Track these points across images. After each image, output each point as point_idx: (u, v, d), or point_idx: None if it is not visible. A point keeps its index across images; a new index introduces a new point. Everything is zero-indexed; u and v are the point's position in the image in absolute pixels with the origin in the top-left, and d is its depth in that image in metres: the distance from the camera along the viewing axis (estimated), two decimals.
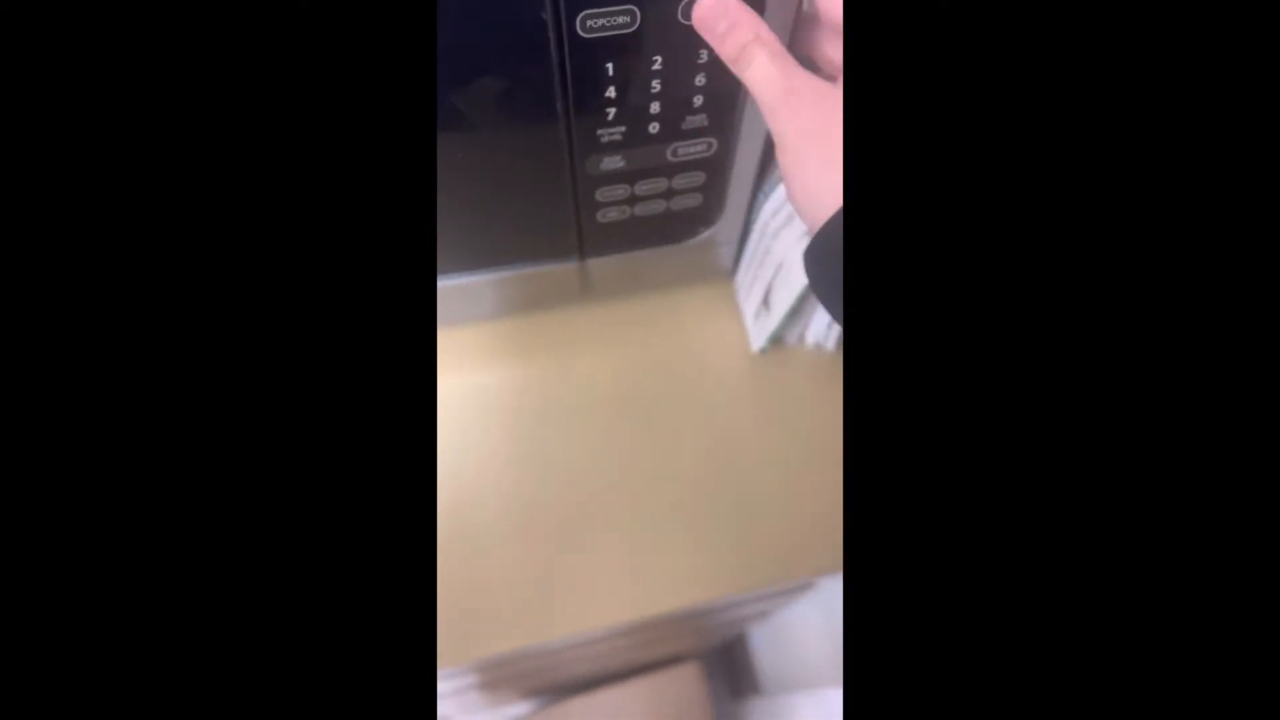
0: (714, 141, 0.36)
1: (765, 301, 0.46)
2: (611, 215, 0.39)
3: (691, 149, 0.36)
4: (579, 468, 0.47)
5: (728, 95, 0.33)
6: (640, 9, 0.28)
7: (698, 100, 0.33)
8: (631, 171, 0.36)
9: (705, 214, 0.42)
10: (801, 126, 0.25)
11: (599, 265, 0.45)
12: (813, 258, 0.25)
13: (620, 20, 0.28)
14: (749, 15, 0.26)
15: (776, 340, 0.49)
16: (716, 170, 0.38)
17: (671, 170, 0.37)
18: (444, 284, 0.44)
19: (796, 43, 0.30)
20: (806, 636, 0.81)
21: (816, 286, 0.26)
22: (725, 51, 0.26)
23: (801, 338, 0.50)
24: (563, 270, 0.45)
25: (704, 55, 0.31)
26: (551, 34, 0.28)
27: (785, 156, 0.26)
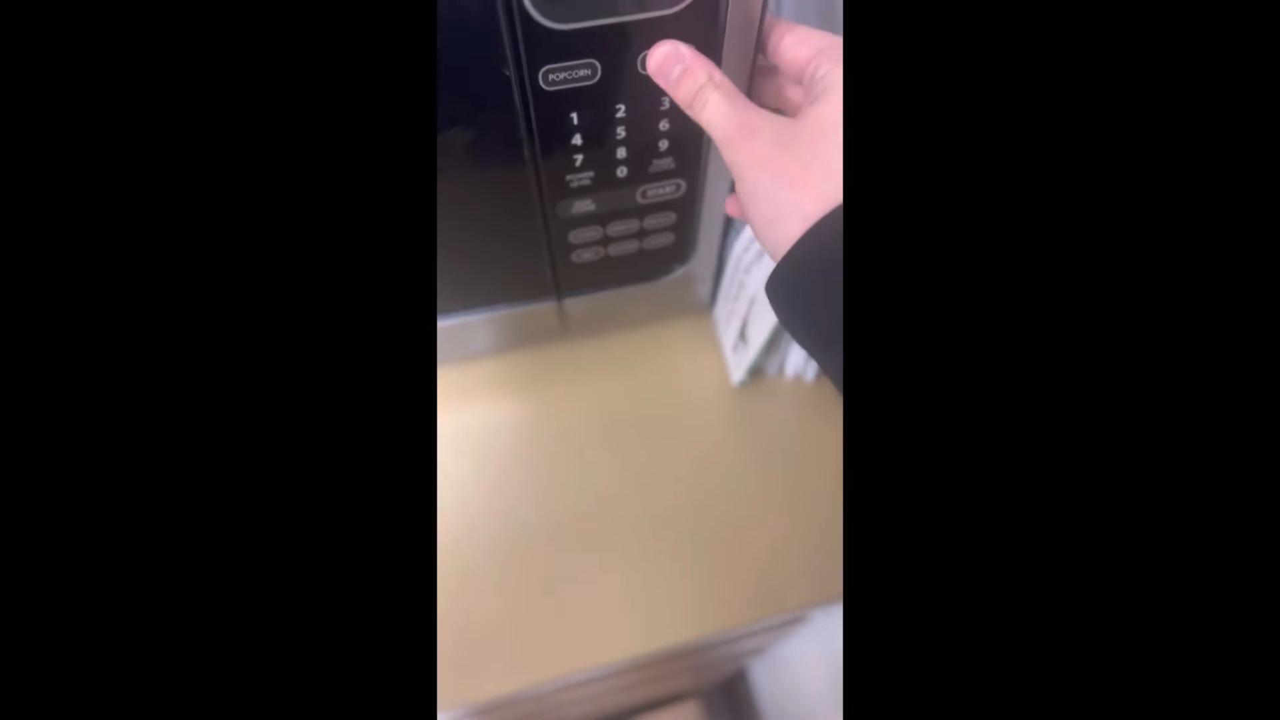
0: (682, 183, 0.37)
1: (742, 335, 0.47)
2: (586, 256, 0.40)
3: (660, 190, 0.37)
4: (566, 506, 0.47)
5: (692, 138, 0.35)
6: (600, 62, 0.29)
7: (663, 144, 0.34)
8: (602, 214, 0.37)
9: (679, 252, 0.43)
10: (756, 156, 0.25)
11: (577, 304, 0.46)
12: (776, 287, 0.25)
13: (581, 73, 0.29)
14: (701, 60, 0.27)
15: (756, 372, 0.50)
16: (687, 210, 0.39)
17: (642, 211, 0.38)
18: None
19: (756, 92, 0.31)
20: (806, 670, 0.80)
21: (782, 315, 0.26)
22: (680, 95, 0.27)
23: (781, 369, 0.50)
24: (543, 310, 0.46)
25: (665, 102, 0.32)
26: (515, 89, 0.29)
27: (743, 187, 0.26)
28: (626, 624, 0.44)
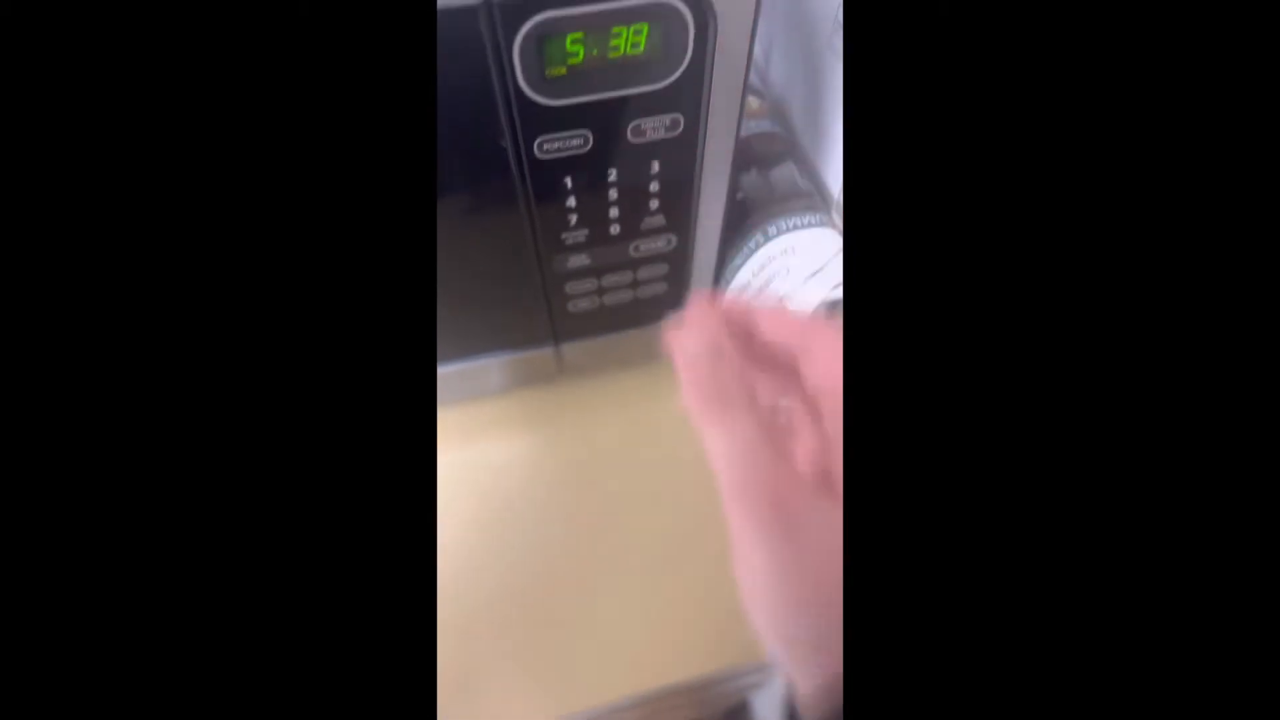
0: (673, 237, 0.39)
1: None
2: (582, 305, 0.42)
3: (652, 245, 0.39)
4: (563, 545, 0.48)
5: (682, 198, 0.36)
6: (592, 132, 0.31)
7: (654, 204, 0.36)
8: (597, 268, 0.39)
9: (672, 299, 0.44)
10: (778, 549, 0.18)
11: (574, 349, 0.47)
12: None
13: (574, 143, 0.31)
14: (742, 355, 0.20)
15: None
16: (678, 261, 0.41)
17: (635, 264, 0.40)
18: None
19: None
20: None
21: None
22: (700, 389, 0.19)
23: None
24: (540, 355, 0.47)
25: (655, 166, 0.34)
26: (511, 158, 0.31)
27: (748, 574, 0.19)
28: (627, 662, 0.44)
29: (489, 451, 0.51)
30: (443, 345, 0.44)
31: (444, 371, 0.46)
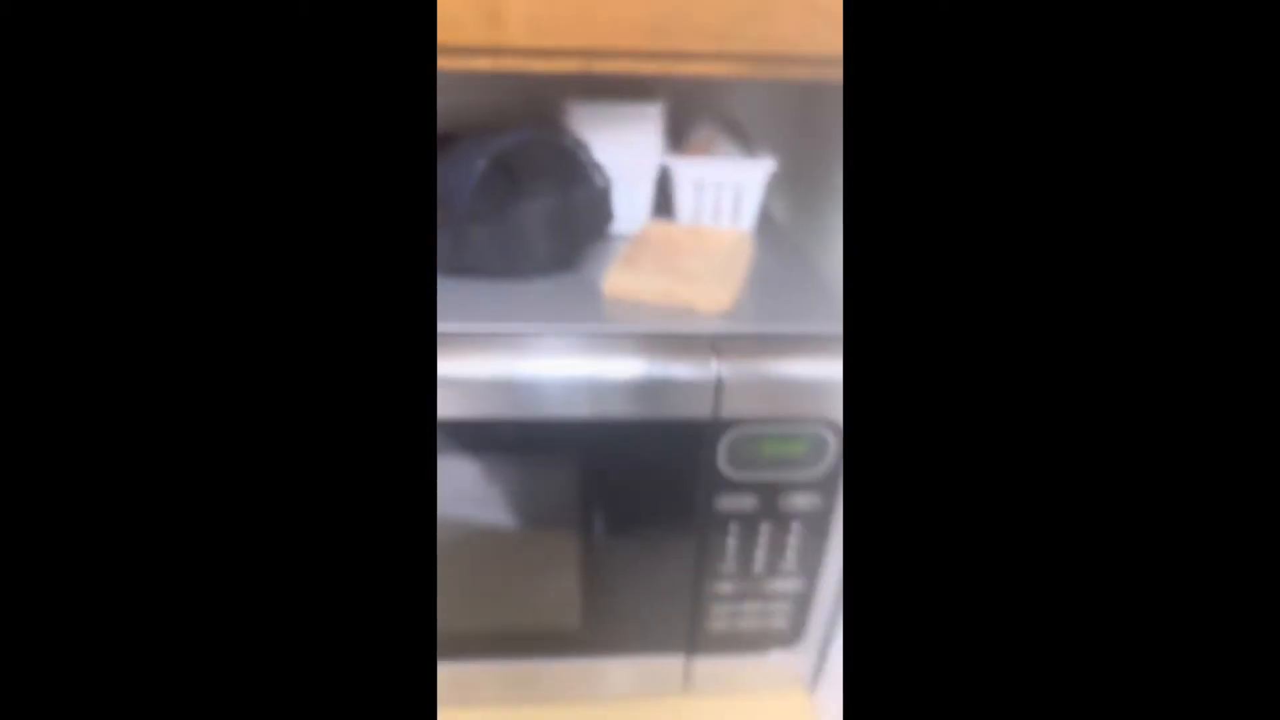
0: (800, 581, 0.49)
1: None
2: (719, 626, 0.51)
3: (784, 584, 0.49)
4: None
5: (815, 556, 0.47)
6: (759, 498, 0.44)
7: (791, 555, 0.47)
8: (739, 595, 0.49)
9: (791, 634, 0.52)
10: None
11: (704, 663, 0.54)
12: None
13: (745, 504, 0.44)
14: None
15: None
16: (801, 601, 0.50)
17: (769, 597, 0.49)
18: (563, 664, 0.53)
19: None
20: None
21: None
22: None
23: None
24: (668, 662, 0.55)
25: (794, 528, 0.45)
26: (700, 507, 0.44)
27: None
28: None
29: None
30: (577, 645, 0.53)
31: (572, 665, 0.54)
